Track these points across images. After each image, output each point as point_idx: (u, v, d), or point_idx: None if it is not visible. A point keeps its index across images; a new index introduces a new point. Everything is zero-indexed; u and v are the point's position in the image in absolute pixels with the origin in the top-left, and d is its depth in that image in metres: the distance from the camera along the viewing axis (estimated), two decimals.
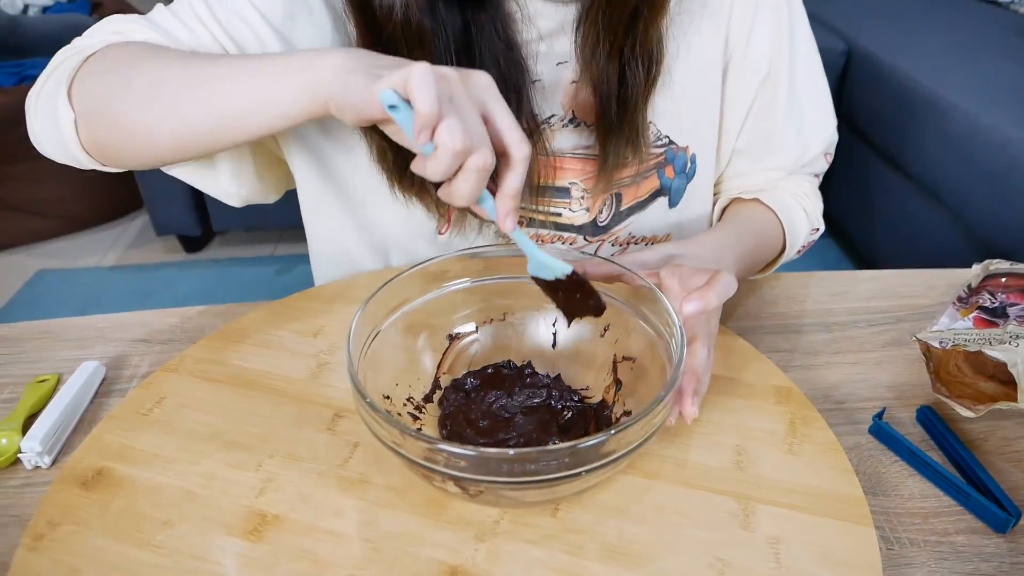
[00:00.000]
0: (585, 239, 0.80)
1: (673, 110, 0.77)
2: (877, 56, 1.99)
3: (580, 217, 0.78)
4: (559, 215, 0.79)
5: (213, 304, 0.79)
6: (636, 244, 0.83)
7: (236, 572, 0.49)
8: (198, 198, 2.22)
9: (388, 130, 0.53)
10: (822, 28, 2.16)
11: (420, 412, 0.59)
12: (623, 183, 0.78)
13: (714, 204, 0.87)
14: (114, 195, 2.56)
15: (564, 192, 0.77)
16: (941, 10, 2.28)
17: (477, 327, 0.65)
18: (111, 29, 0.70)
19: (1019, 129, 1.54)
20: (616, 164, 0.74)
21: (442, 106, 0.45)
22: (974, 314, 0.67)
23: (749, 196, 0.82)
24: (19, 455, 0.60)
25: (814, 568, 0.48)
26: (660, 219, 0.82)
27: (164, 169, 0.72)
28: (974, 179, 1.62)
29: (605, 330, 0.62)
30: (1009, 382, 0.59)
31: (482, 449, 0.42)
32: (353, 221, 0.80)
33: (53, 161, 0.71)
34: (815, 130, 0.84)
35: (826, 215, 0.88)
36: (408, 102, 0.46)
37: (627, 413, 0.57)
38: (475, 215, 0.76)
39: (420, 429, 0.58)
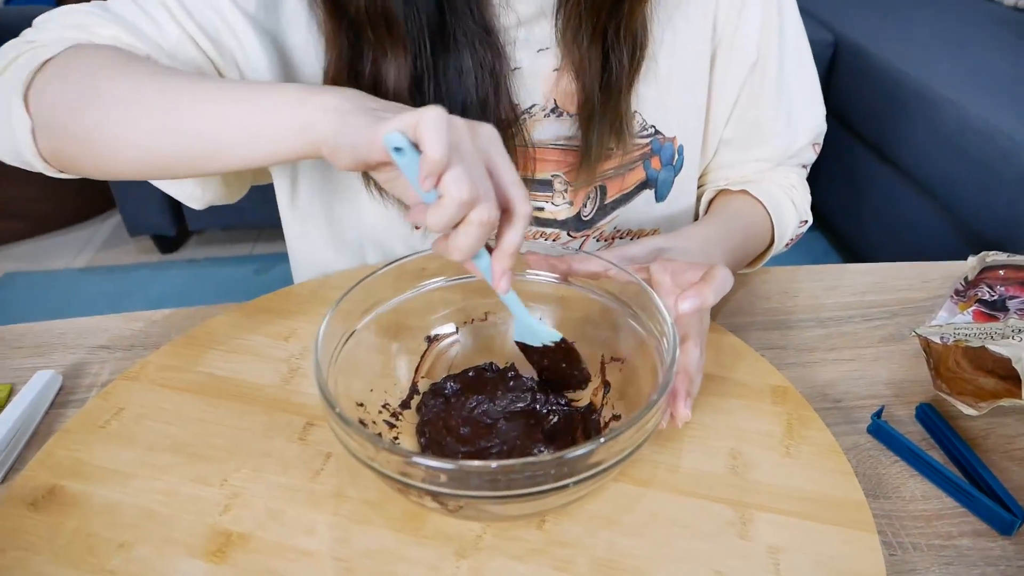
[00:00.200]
0: (568, 234, 0.77)
1: (659, 99, 0.74)
2: (865, 47, 1.98)
3: (563, 211, 0.76)
4: (541, 209, 0.76)
5: (190, 306, 0.76)
6: (622, 239, 0.80)
7: None
8: (172, 197, 2.17)
9: (381, 177, 0.50)
10: (808, 18, 2.13)
11: (397, 419, 0.56)
12: (607, 175, 0.75)
13: (700, 195, 0.85)
14: (85, 195, 2.50)
15: (546, 185, 0.74)
16: (929, 0, 2.27)
17: (457, 328, 0.62)
18: (70, 22, 0.64)
19: (1009, 119, 1.53)
20: (599, 154, 0.71)
21: (451, 154, 0.43)
22: (973, 308, 0.65)
23: (736, 188, 0.80)
24: None
25: None
26: (646, 212, 0.80)
27: None
28: (964, 170, 1.61)
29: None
30: (1009, 377, 0.57)
31: (462, 463, 0.39)
32: (327, 218, 0.77)
33: None
34: (804, 119, 0.82)
35: (813, 208, 0.87)
36: (414, 146, 0.44)
37: (616, 417, 0.55)
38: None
39: (397, 438, 0.55)
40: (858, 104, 2.00)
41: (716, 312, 0.74)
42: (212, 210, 2.34)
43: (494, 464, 0.39)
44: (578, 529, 0.49)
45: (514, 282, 0.54)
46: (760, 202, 0.79)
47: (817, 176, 0.87)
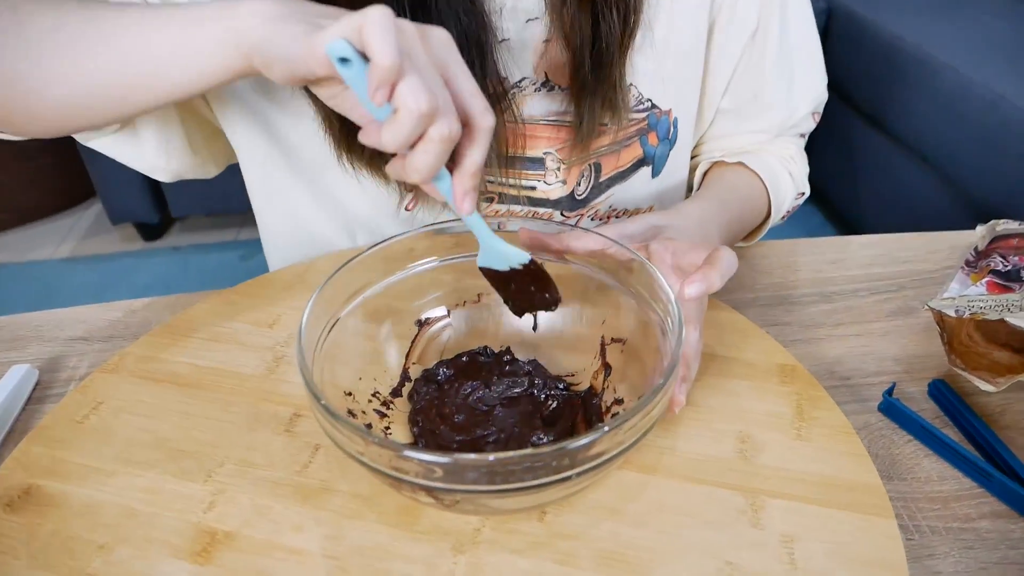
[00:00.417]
0: (562, 214, 0.75)
1: (655, 71, 0.71)
2: (859, 13, 1.95)
3: (556, 190, 0.73)
4: (533, 188, 0.73)
5: (175, 294, 0.73)
6: (618, 218, 0.78)
7: None
8: (155, 183, 2.13)
9: (324, 93, 0.47)
10: None
11: (388, 408, 0.54)
12: (602, 152, 0.72)
13: (694, 167, 0.82)
14: (65, 183, 2.46)
15: (538, 163, 0.72)
16: None
17: (448, 311, 0.59)
18: None
19: (1011, 84, 1.51)
20: (592, 128, 0.68)
21: (403, 61, 0.39)
22: (986, 279, 0.63)
23: (732, 159, 0.78)
24: None
25: (833, 569, 0.43)
26: (643, 190, 0.77)
27: (81, 140, 0.65)
28: (963, 139, 1.58)
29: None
30: None
31: (458, 456, 0.37)
32: (309, 198, 0.74)
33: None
34: (805, 89, 0.79)
35: (808, 179, 0.84)
36: (361, 55, 0.40)
37: (619, 401, 0.53)
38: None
39: (388, 428, 0.52)
40: (853, 72, 1.97)
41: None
42: (196, 196, 2.30)
43: (491, 457, 0.37)
44: (581, 520, 0.47)
45: None
46: (756, 174, 0.76)
47: (812, 147, 0.85)
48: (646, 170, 0.76)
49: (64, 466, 0.52)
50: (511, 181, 0.72)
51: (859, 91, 1.96)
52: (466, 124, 0.44)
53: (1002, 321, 0.54)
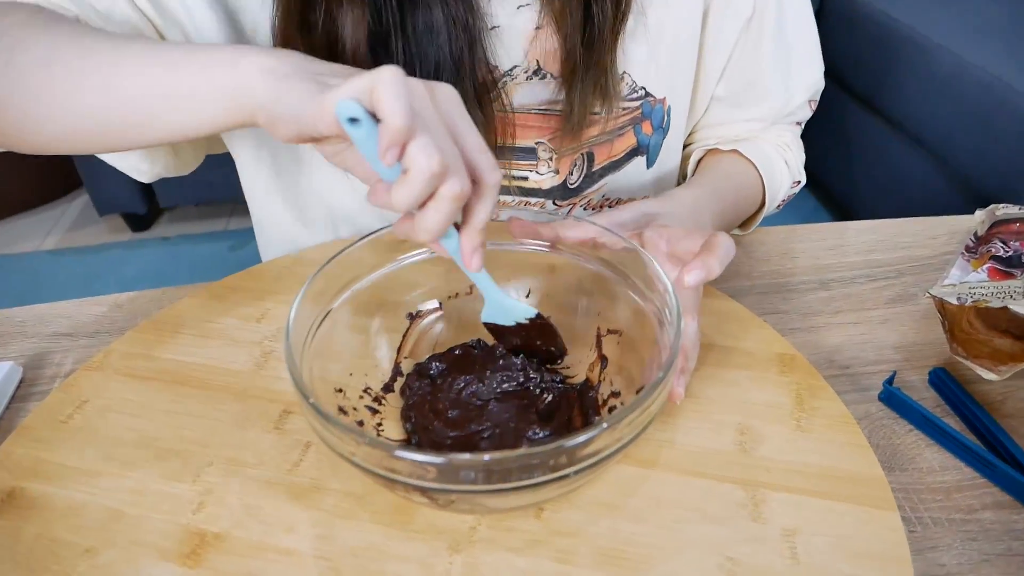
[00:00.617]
0: (554, 203, 0.74)
1: (649, 58, 0.70)
2: None
3: (548, 180, 0.72)
4: (524, 179, 0.72)
5: (163, 286, 0.72)
6: (611, 207, 0.77)
7: None
8: None
9: (327, 150, 0.46)
10: None
11: (379, 404, 0.53)
12: (595, 141, 0.71)
13: (687, 155, 0.81)
14: (51, 174, 2.43)
15: (530, 153, 0.70)
16: None
17: (440, 303, 0.58)
18: None
19: (1007, 66, 1.50)
20: (583, 115, 0.67)
21: (414, 121, 0.38)
22: (987, 265, 0.62)
23: (727, 147, 0.77)
24: None
25: (836, 563, 0.43)
26: (637, 179, 0.76)
27: None
28: (959, 121, 1.57)
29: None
30: None
31: (452, 456, 0.36)
32: (292, 192, 0.73)
33: None
34: (802, 76, 0.78)
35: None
36: (371, 115, 0.39)
37: (615, 393, 0.52)
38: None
39: (380, 424, 0.51)
40: (846, 54, 1.96)
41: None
42: (183, 186, 2.28)
43: (487, 457, 0.36)
44: (578, 517, 0.46)
45: (500, 252, 0.51)
46: (751, 162, 0.75)
47: (805, 131, 0.84)
48: (640, 159, 0.75)
49: (48, 467, 0.51)
50: (502, 171, 0.70)
51: (853, 74, 1.94)
52: (473, 180, 0.43)
53: (1004, 308, 0.53)
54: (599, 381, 0.54)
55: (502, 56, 0.66)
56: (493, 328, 0.54)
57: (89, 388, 0.57)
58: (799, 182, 0.81)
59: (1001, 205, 0.71)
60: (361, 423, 0.50)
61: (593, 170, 0.73)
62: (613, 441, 0.39)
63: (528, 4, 0.65)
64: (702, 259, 0.49)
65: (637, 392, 0.49)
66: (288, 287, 0.67)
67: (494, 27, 0.65)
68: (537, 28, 0.66)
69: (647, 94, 0.71)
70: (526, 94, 0.68)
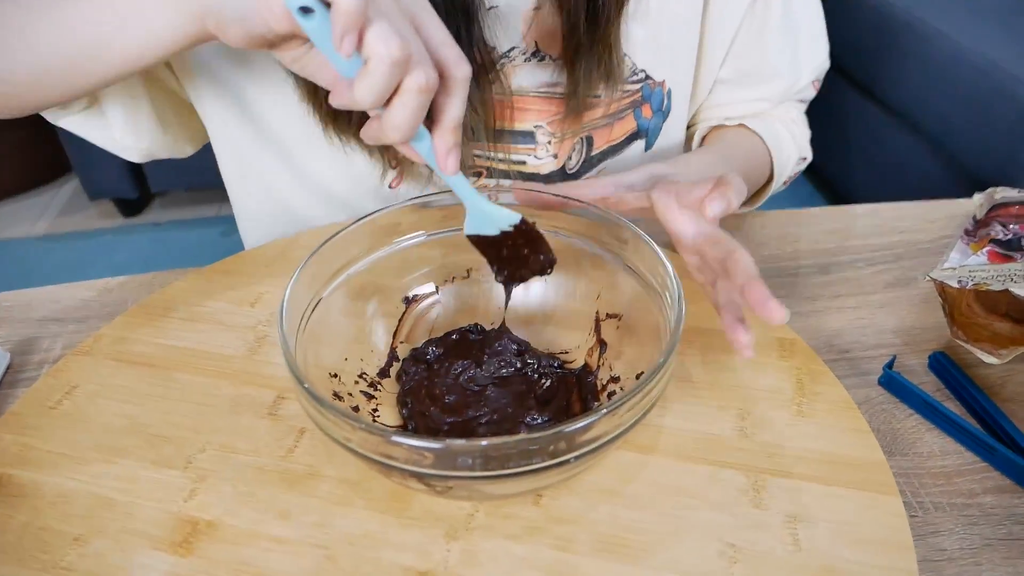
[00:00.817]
0: None
1: (650, 40, 0.69)
2: None
3: (547, 164, 0.71)
4: (523, 163, 0.71)
5: (153, 272, 0.71)
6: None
7: None
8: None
9: (286, 57, 0.44)
10: None
11: (375, 390, 0.52)
12: (594, 124, 0.70)
13: (690, 135, 0.80)
14: (41, 158, 2.40)
15: (528, 136, 0.69)
16: None
17: (437, 287, 0.57)
18: None
19: (1005, 51, 1.49)
20: (586, 93, 0.66)
21: (368, 6, 0.36)
22: (987, 248, 0.62)
23: (733, 123, 0.76)
24: None
25: (838, 549, 0.42)
26: (635, 163, 0.75)
27: (49, 119, 0.62)
28: (956, 106, 1.56)
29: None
30: None
31: (449, 442, 0.35)
32: (285, 175, 0.71)
33: None
34: (808, 56, 0.77)
35: None
36: (324, 4, 0.37)
37: (615, 379, 0.51)
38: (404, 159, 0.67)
39: (376, 410, 0.50)
40: (843, 39, 1.92)
41: None
42: (175, 171, 2.25)
43: (485, 442, 0.35)
44: (577, 503, 0.45)
45: None
46: (758, 135, 0.74)
47: None
48: (639, 143, 0.74)
49: (36, 454, 0.50)
50: (500, 155, 0.69)
51: (849, 58, 1.93)
52: (441, 76, 0.41)
53: (1005, 291, 0.53)
54: (598, 366, 0.53)
55: (500, 37, 0.65)
56: (478, 240, 0.51)
57: (78, 373, 0.56)
58: (805, 158, 0.80)
59: (1000, 188, 0.70)
60: (356, 409, 0.49)
61: (592, 154, 0.72)
62: (613, 427, 0.38)
63: None
64: (720, 190, 0.47)
65: (637, 377, 0.48)
66: (282, 270, 0.65)
67: (492, 7, 0.63)
68: (536, 8, 0.65)
69: (647, 76, 0.70)
70: (525, 76, 0.67)
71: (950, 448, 0.52)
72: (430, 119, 0.43)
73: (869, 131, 1.89)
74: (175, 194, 2.38)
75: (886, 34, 1.75)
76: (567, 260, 0.55)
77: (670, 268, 0.46)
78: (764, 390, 0.52)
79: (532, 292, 0.57)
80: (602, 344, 0.53)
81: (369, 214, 0.52)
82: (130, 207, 2.30)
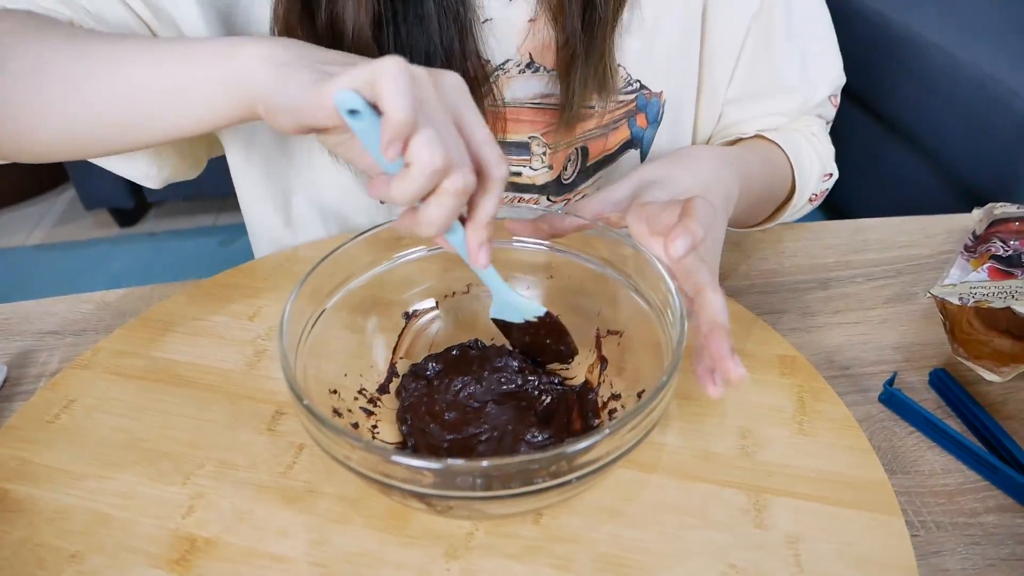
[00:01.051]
0: (548, 199, 0.73)
1: (644, 51, 0.69)
2: None
3: (542, 176, 0.71)
4: (518, 174, 0.71)
5: (151, 282, 0.71)
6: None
7: None
8: None
9: (330, 140, 0.45)
10: None
11: (375, 406, 0.51)
12: (589, 135, 0.70)
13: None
14: (37, 168, 2.40)
15: (523, 148, 0.69)
16: None
17: (437, 303, 0.57)
18: None
19: (1001, 65, 1.49)
20: (580, 104, 0.66)
21: (417, 115, 0.37)
22: (988, 264, 0.62)
23: (749, 135, 0.75)
24: None
25: (840, 569, 0.42)
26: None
27: None
28: (952, 119, 1.57)
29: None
30: None
31: (449, 462, 0.35)
32: (281, 185, 0.72)
33: None
34: (821, 68, 0.75)
35: None
36: (372, 107, 0.38)
37: (615, 396, 0.51)
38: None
39: (376, 426, 0.50)
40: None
41: None
42: None
43: (485, 463, 0.35)
44: (578, 522, 0.45)
45: (496, 251, 0.49)
46: (777, 144, 0.72)
47: None
48: (634, 153, 0.74)
49: (33, 468, 0.49)
50: (508, 165, 0.69)
51: (846, 73, 1.94)
52: (479, 174, 0.42)
53: (1006, 308, 0.53)
54: (599, 383, 0.53)
55: (494, 49, 0.65)
56: (502, 325, 0.52)
57: (76, 387, 0.55)
58: (831, 175, 0.78)
59: (1000, 204, 0.70)
60: (356, 425, 0.49)
61: (587, 165, 0.72)
62: (615, 448, 0.38)
63: None
64: (682, 225, 0.45)
65: (639, 395, 0.48)
66: (281, 284, 0.65)
67: (487, 20, 0.63)
68: (531, 20, 0.65)
69: (642, 87, 0.70)
70: (519, 88, 0.67)
71: (952, 466, 0.52)
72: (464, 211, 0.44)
73: (866, 145, 1.89)
74: (171, 204, 2.38)
75: (882, 47, 1.76)
76: (568, 276, 0.55)
77: (672, 285, 0.46)
78: (765, 408, 0.52)
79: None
80: (603, 361, 0.53)
81: (369, 229, 0.51)
82: (126, 217, 2.30)
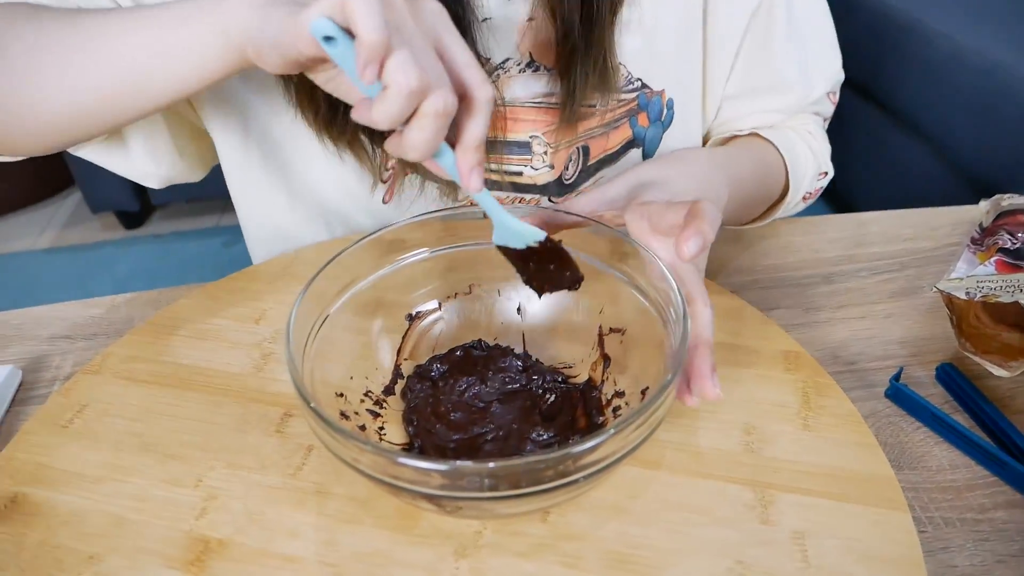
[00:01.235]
0: (550, 199, 0.73)
1: (645, 49, 0.69)
2: None
3: (543, 175, 0.71)
4: (519, 174, 0.71)
5: (157, 283, 0.72)
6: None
7: None
8: None
9: (320, 78, 0.45)
10: None
11: (381, 407, 0.52)
12: (590, 134, 0.70)
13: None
14: (43, 172, 2.41)
15: (524, 147, 0.70)
16: None
17: (439, 304, 0.58)
18: None
19: (1008, 52, 1.48)
20: (581, 103, 0.66)
21: (391, 36, 0.38)
22: (995, 258, 0.62)
23: (745, 133, 0.75)
24: None
25: (847, 566, 0.42)
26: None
27: (70, 151, 0.63)
28: (958, 109, 1.56)
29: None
30: None
31: (457, 463, 0.35)
32: (281, 186, 0.72)
33: None
34: (819, 65, 0.76)
35: None
36: (348, 32, 0.38)
37: (619, 393, 0.51)
38: (425, 174, 0.68)
39: (382, 428, 0.51)
40: (841, 41, 1.93)
41: (712, 271, 0.70)
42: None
43: (492, 464, 0.35)
44: (585, 519, 0.45)
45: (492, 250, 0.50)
46: (771, 143, 0.73)
47: None
48: (636, 152, 0.74)
49: (50, 473, 0.50)
50: (493, 166, 0.70)
51: (849, 62, 1.91)
52: (464, 97, 0.42)
53: (1015, 303, 0.53)
54: (602, 380, 0.53)
55: (494, 49, 0.65)
56: (506, 251, 0.51)
57: (88, 392, 0.56)
58: (826, 173, 0.78)
59: (1007, 196, 0.70)
60: (363, 428, 0.49)
61: (588, 164, 0.73)
62: (621, 447, 0.39)
63: None
64: (694, 226, 0.46)
65: (643, 392, 0.48)
66: (285, 287, 0.66)
67: (486, 19, 0.64)
68: (530, 19, 0.65)
69: (643, 85, 0.71)
70: (519, 87, 0.67)
71: (959, 462, 0.52)
72: (453, 137, 0.44)
73: (870, 135, 1.88)
74: (176, 206, 2.40)
75: (885, 36, 1.75)
76: None
77: (673, 283, 0.46)
78: (770, 404, 0.53)
79: (534, 307, 0.57)
80: (606, 358, 0.54)
81: (372, 232, 0.52)
82: (132, 219, 2.31)
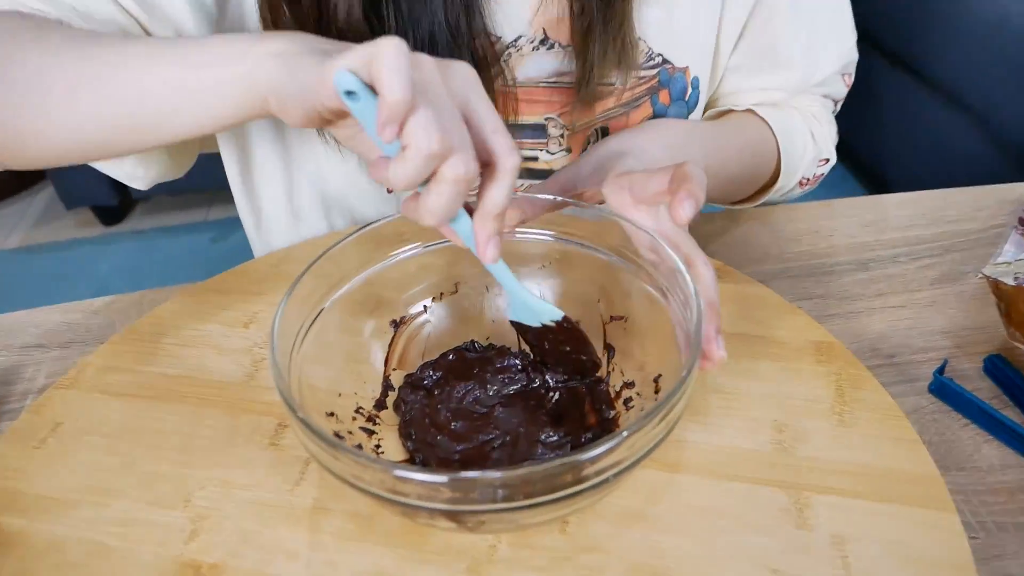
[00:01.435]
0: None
1: (666, 22, 0.69)
2: None
3: (560, 160, 0.71)
4: (534, 159, 0.71)
5: (139, 284, 0.72)
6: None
7: None
8: None
9: (341, 133, 0.46)
10: None
11: (374, 424, 0.52)
12: (610, 114, 0.70)
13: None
14: None
15: (539, 130, 0.69)
16: None
17: (425, 306, 0.57)
18: None
19: None
20: (599, 81, 0.66)
21: (415, 96, 0.38)
22: None
23: (742, 108, 0.75)
24: None
25: (892, 571, 0.42)
26: None
27: None
28: (1002, 78, 1.55)
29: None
30: None
31: (463, 474, 0.35)
32: (283, 174, 0.73)
33: None
34: (828, 44, 0.76)
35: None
36: (371, 89, 0.39)
37: (628, 384, 0.51)
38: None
39: (379, 445, 0.51)
40: (874, 8, 1.93)
41: (735, 259, 0.70)
42: None
43: (500, 473, 0.35)
44: (606, 528, 0.45)
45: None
46: (767, 123, 0.73)
47: None
48: None
49: (23, 499, 0.50)
50: (520, 155, 0.69)
51: (881, 28, 1.92)
52: (489, 163, 0.43)
53: None
54: (608, 372, 0.53)
55: (504, 25, 0.65)
56: (519, 328, 0.53)
57: (63, 409, 0.56)
58: (827, 160, 0.79)
59: None
60: (360, 447, 0.49)
61: None
62: (638, 448, 0.39)
63: None
64: (685, 189, 0.46)
65: (655, 380, 0.48)
66: (276, 288, 0.66)
67: None
68: None
69: (664, 61, 0.70)
70: (532, 66, 0.67)
71: (1012, 461, 0.52)
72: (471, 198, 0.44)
73: (907, 109, 1.87)
74: (158, 199, 2.40)
75: (923, 2, 1.74)
76: (563, 264, 0.56)
77: (680, 264, 0.46)
78: (801, 399, 0.52)
79: None
80: (610, 348, 0.54)
81: (359, 228, 0.52)
82: (110, 215, 2.32)
